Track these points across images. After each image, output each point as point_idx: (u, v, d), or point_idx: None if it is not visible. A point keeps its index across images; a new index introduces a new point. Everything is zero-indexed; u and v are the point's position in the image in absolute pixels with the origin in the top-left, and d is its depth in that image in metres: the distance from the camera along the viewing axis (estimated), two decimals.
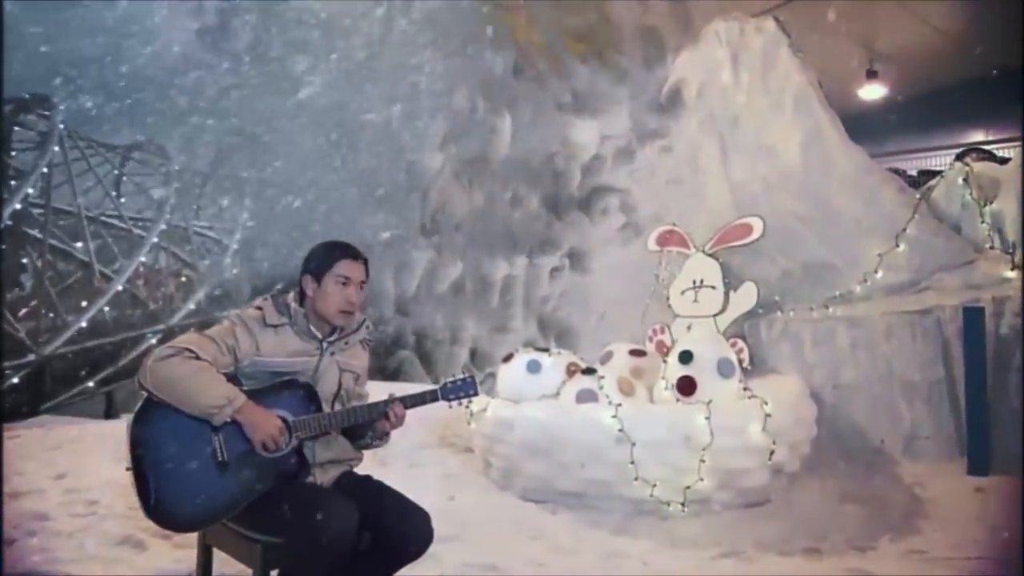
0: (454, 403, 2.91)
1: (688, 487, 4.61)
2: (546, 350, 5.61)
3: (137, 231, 32.25)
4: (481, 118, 10.59)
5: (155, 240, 31.70)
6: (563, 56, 9.78)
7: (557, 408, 4.98)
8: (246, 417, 2.54)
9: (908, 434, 5.61)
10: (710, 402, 4.71)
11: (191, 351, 2.54)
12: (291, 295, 2.83)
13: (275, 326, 2.74)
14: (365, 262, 2.87)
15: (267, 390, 2.66)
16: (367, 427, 2.84)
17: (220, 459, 2.55)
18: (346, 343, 2.86)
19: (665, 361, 5.26)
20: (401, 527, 2.71)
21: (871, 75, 14.39)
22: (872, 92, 14.49)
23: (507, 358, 5.61)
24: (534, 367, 5.41)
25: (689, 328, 6.07)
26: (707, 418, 4.61)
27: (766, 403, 4.74)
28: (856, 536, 4.42)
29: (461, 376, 2.91)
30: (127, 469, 2.51)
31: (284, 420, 2.62)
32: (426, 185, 11.33)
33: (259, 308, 2.77)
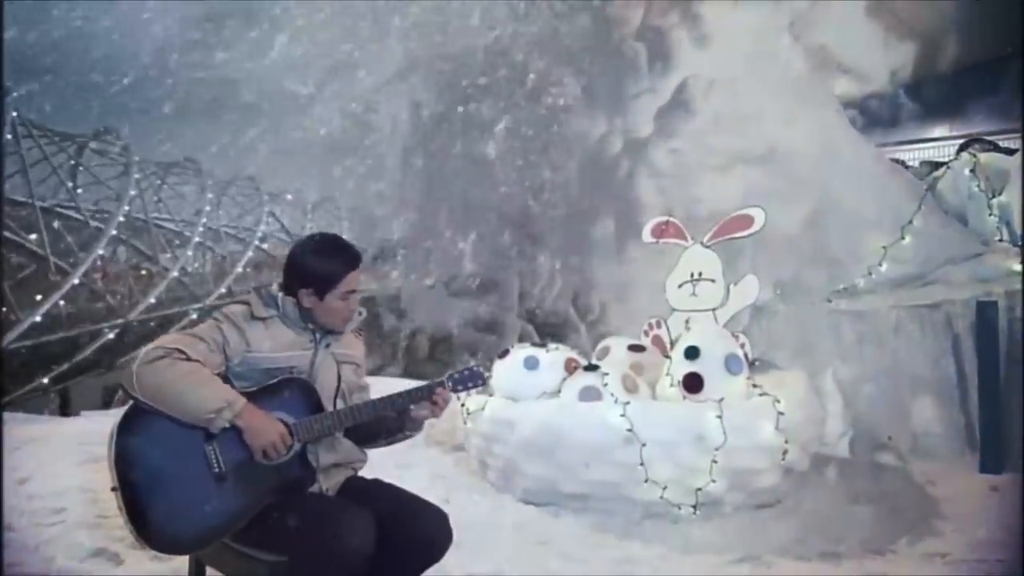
0: (461, 394, 2.70)
1: (699, 489, 4.41)
2: (543, 345, 5.37)
3: (95, 223, 31.60)
4: (483, 116, 10.37)
5: (113, 232, 31.09)
6: (568, 55, 9.59)
7: (559, 406, 4.75)
8: (247, 421, 2.28)
9: (917, 431, 5.49)
10: (722, 400, 4.51)
11: (181, 351, 2.28)
12: (275, 286, 2.57)
13: (264, 319, 2.49)
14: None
15: (262, 391, 2.40)
16: (398, 419, 2.61)
17: (216, 470, 2.28)
18: (340, 332, 2.61)
19: (668, 357, 5.05)
20: (419, 530, 2.49)
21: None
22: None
23: (503, 354, 5.35)
24: (531, 363, 5.16)
25: (687, 323, 5.87)
26: (719, 417, 4.40)
27: (778, 401, 4.55)
28: (872, 538, 4.27)
29: (467, 366, 2.68)
30: (112, 490, 2.22)
31: (284, 423, 2.35)
32: (426, 183, 11.09)
33: (243, 302, 2.52)
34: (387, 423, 2.65)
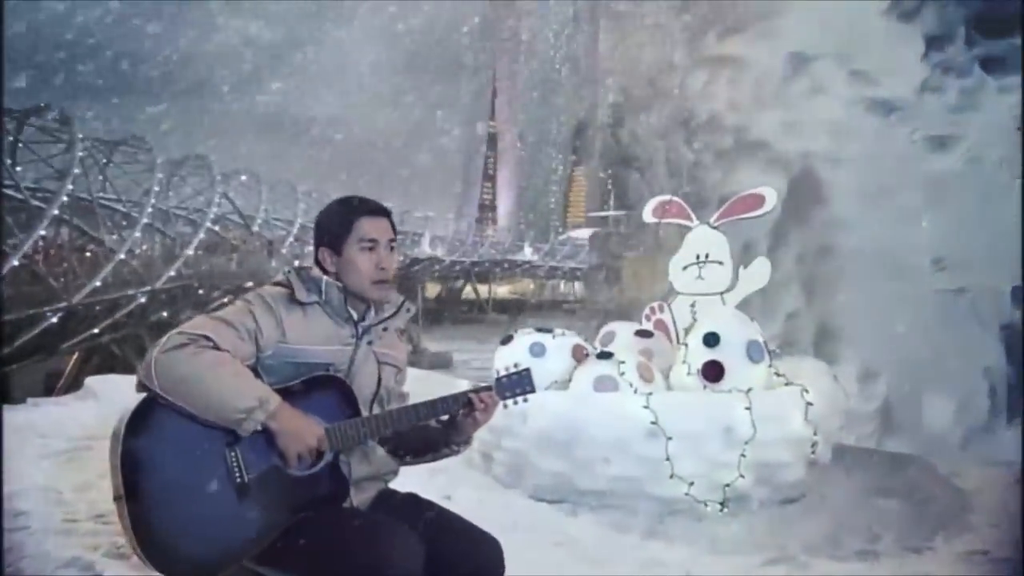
0: (509, 402, 2.31)
1: (728, 485, 4.14)
2: (549, 331, 5.04)
3: (36, 202, 30.30)
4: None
5: (56, 212, 29.84)
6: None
7: (576, 397, 4.42)
8: (282, 424, 1.92)
9: (939, 422, 5.31)
10: (750, 390, 4.24)
11: (208, 339, 1.91)
12: (315, 268, 2.18)
13: (304, 305, 2.10)
14: (389, 216, 2.25)
15: (293, 389, 2.02)
16: (443, 432, 2.24)
17: (239, 481, 1.90)
18: (384, 329, 2.25)
19: (685, 344, 4.77)
20: (468, 561, 2.12)
21: None
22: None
23: (506, 340, 5.02)
24: (538, 350, 4.84)
25: (693, 307, 5.60)
26: (748, 408, 4.13)
27: (806, 390, 4.30)
28: (908, 535, 4.06)
29: (516, 370, 2.30)
30: (116, 499, 1.83)
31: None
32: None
33: (282, 284, 2.13)
34: (432, 436, 2.30)
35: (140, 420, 1.87)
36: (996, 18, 8.96)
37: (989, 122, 7.17)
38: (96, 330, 29.33)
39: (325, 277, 2.15)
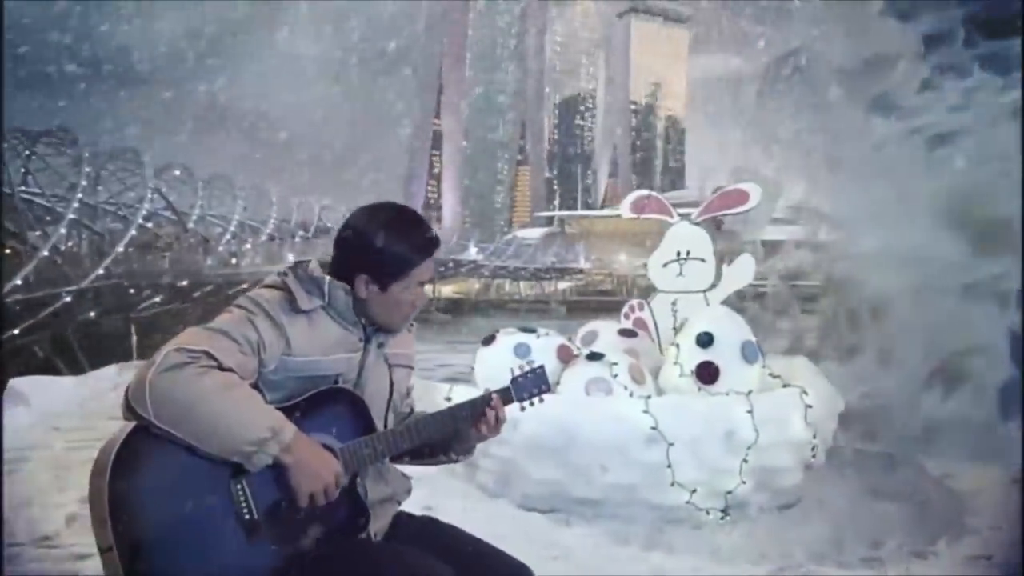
0: (526, 403, 2.08)
1: (730, 492, 3.97)
2: (533, 331, 4.81)
3: None
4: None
5: None
6: None
7: (570, 401, 4.18)
8: (296, 457, 1.64)
9: (938, 422, 5.27)
10: (750, 393, 4.08)
11: (211, 356, 1.61)
12: (313, 265, 1.88)
13: (307, 312, 1.82)
14: None
15: (299, 407, 1.75)
16: (446, 441, 2.06)
17: (248, 517, 1.63)
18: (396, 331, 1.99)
19: (676, 344, 4.60)
20: None
21: None
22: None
23: (488, 340, 4.76)
24: (523, 351, 4.61)
25: (674, 304, 5.44)
26: (749, 412, 3.97)
27: (806, 392, 4.17)
28: (910, 539, 3.99)
29: (530, 368, 2.08)
30: (105, 550, 1.53)
31: (331, 450, 1.73)
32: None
33: (279, 288, 1.83)
34: (437, 445, 2.08)
35: (129, 454, 1.55)
36: (996, 18, 9.14)
37: (989, 122, 7.29)
38: (16, 331, 27.90)
39: (328, 277, 1.85)
